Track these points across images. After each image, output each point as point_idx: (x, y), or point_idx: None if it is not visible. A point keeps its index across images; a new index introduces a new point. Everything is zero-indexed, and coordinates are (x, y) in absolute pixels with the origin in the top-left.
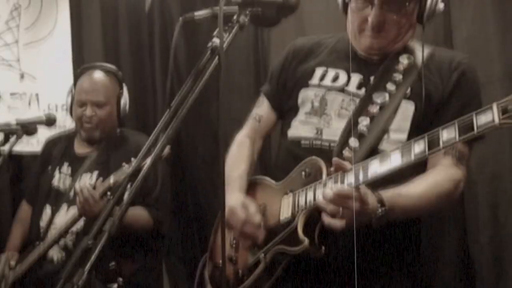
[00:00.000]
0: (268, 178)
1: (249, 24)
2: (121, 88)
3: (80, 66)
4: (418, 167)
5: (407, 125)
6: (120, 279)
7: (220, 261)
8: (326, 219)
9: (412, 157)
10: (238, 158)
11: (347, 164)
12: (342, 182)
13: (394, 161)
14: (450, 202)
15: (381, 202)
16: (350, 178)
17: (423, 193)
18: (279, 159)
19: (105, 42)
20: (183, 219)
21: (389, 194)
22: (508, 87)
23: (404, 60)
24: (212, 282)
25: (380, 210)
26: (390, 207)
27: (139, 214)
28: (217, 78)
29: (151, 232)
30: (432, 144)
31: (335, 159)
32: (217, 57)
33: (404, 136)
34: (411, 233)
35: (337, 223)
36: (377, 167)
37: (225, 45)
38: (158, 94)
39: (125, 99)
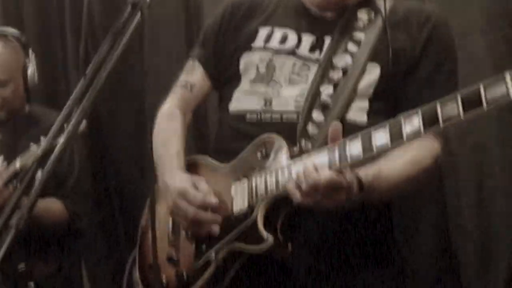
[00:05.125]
0: (210, 159)
1: None
2: (27, 55)
3: None
4: None
5: (369, 91)
6: (32, 283)
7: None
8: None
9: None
10: (170, 132)
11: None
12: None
13: (379, 140)
14: (430, 179)
15: (360, 187)
16: (322, 158)
17: (403, 172)
18: (219, 138)
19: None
20: (105, 210)
21: (370, 176)
22: (491, 39)
23: (363, 16)
24: (145, 285)
25: (357, 193)
26: (368, 191)
27: (51, 206)
28: (140, 39)
29: (67, 228)
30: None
31: (337, 124)
32: (139, 14)
33: (365, 104)
34: (382, 220)
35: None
36: (357, 148)
37: None
38: (70, 60)
39: (32, 68)
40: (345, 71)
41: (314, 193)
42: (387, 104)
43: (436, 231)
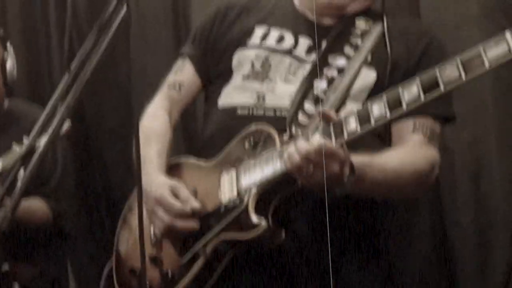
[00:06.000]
0: (193, 158)
1: None
2: (5, 49)
3: None
4: (382, 140)
5: (363, 95)
6: (16, 284)
7: (136, 265)
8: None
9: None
10: (152, 133)
11: (333, 115)
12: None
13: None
14: (425, 185)
15: (351, 167)
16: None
17: (395, 167)
18: (206, 135)
19: None
20: (91, 210)
21: (359, 160)
22: (485, 28)
23: (361, 25)
24: None
25: (349, 176)
26: (360, 176)
27: (35, 206)
28: (126, 34)
29: (51, 229)
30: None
31: (325, 109)
32: (125, 7)
33: (358, 107)
34: (376, 215)
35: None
36: (354, 122)
37: None
38: (54, 55)
39: (12, 62)
40: (340, 71)
41: (307, 164)
42: None
43: (432, 227)
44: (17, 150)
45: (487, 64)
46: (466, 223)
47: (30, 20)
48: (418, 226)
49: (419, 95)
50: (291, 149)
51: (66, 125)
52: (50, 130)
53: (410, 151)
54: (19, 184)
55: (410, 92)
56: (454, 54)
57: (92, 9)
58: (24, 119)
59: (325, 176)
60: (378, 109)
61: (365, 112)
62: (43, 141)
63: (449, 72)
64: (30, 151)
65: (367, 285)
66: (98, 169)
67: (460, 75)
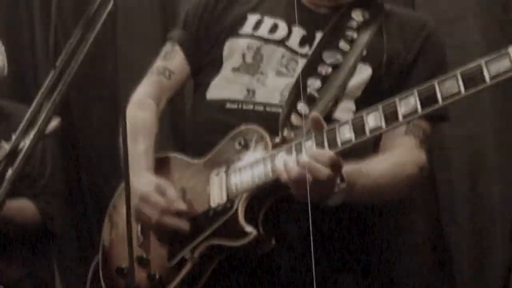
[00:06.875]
0: (182, 155)
1: None
2: None
3: None
4: (369, 145)
5: (358, 92)
6: (1, 287)
7: (123, 264)
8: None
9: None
10: (140, 127)
11: (323, 123)
12: (300, 152)
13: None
14: (413, 189)
15: (341, 176)
16: (309, 144)
17: (385, 172)
18: (194, 129)
19: None
20: (79, 210)
21: (349, 169)
22: (482, 23)
23: (358, 17)
24: None
25: (340, 185)
26: (350, 184)
27: (22, 207)
28: (113, 28)
29: (39, 229)
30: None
31: (315, 114)
32: (112, 0)
33: (352, 105)
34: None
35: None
36: (348, 132)
37: None
38: (39, 51)
39: (2, 59)
40: (334, 67)
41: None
42: None
43: (428, 226)
44: (6, 148)
45: (488, 79)
46: (463, 220)
47: (15, 15)
48: (414, 225)
49: (416, 108)
50: (286, 160)
51: (56, 122)
52: (36, 128)
53: (400, 156)
54: (5, 183)
55: (408, 104)
56: (448, 46)
57: (77, 3)
58: (12, 117)
59: (308, 187)
60: (373, 120)
61: (360, 123)
62: (29, 139)
63: (448, 86)
64: (15, 149)
65: None
66: (85, 168)
67: (459, 90)
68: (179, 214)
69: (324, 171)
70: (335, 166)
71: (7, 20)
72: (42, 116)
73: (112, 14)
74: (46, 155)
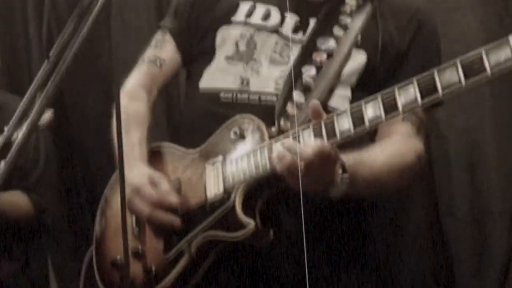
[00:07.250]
0: (177, 145)
1: None
2: None
3: None
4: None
5: (353, 79)
6: None
7: (118, 256)
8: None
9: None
10: (132, 118)
11: (322, 112)
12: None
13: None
14: (413, 177)
15: (342, 167)
16: (307, 135)
17: (385, 161)
18: (188, 119)
19: None
20: (73, 203)
21: (350, 160)
22: (480, 14)
23: (351, 1)
24: (107, 284)
25: (342, 177)
26: (352, 175)
27: (16, 200)
28: (107, 19)
29: (32, 222)
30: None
31: (314, 102)
32: None
33: (348, 92)
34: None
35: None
36: (347, 122)
37: None
38: (32, 42)
39: None
40: (329, 54)
41: (296, 166)
42: (370, 95)
43: (427, 217)
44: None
45: (488, 69)
46: (462, 212)
47: (7, 7)
48: (413, 217)
49: (416, 98)
50: (282, 150)
51: (48, 115)
52: (29, 120)
53: (398, 143)
54: None
55: (407, 94)
56: (447, 37)
57: None
58: (5, 109)
59: (300, 178)
60: (372, 110)
61: (359, 113)
62: (21, 131)
63: (448, 75)
64: (8, 141)
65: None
66: (79, 160)
67: (459, 79)
68: (171, 208)
69: (309, 151)
70: (323, 150)
71: (0, 12)
72: (35, 108)
73: (106, 6)
74: (39, 147)
